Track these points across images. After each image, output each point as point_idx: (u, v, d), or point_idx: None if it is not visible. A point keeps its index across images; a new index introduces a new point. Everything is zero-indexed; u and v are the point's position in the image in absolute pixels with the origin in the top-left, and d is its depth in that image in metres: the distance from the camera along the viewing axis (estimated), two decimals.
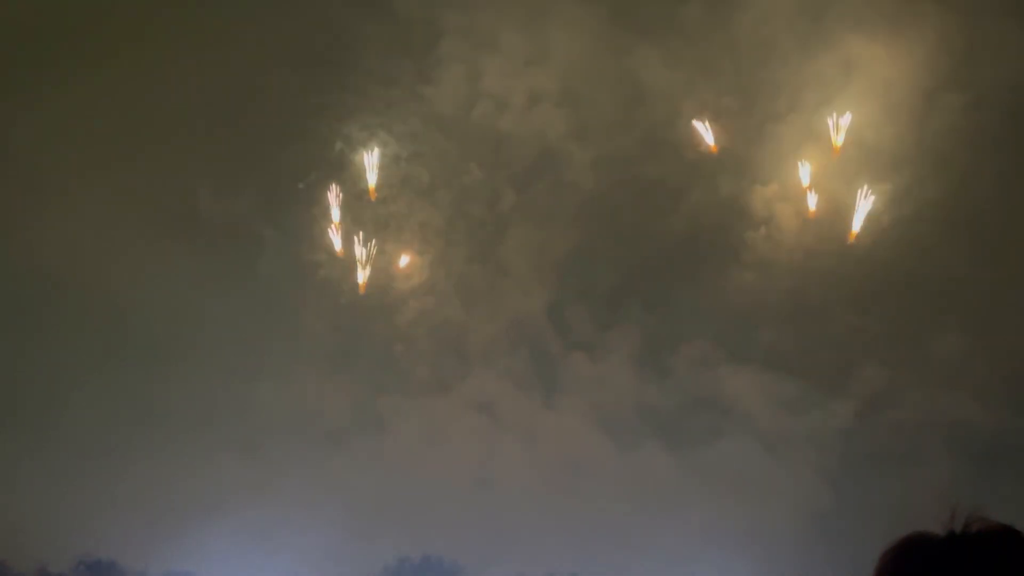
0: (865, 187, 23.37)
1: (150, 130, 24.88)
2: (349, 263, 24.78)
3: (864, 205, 23.45)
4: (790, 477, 23.23)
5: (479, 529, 23.18)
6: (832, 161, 23.70)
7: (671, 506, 23.25)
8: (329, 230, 24.79)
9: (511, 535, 23.11)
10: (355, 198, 25.13)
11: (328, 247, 24.87)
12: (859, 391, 23.69)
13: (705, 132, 24.12)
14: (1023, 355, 22.73)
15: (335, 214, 24.85)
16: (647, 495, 23.65)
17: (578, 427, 24.67)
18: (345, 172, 25.13)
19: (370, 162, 24.98)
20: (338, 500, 23.30)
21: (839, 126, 23.40)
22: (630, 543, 22.93)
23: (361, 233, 24.85)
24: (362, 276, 24.67)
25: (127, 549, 22.59)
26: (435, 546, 22.39)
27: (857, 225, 23.57)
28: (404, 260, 25.00)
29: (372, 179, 24.99)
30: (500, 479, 24.15)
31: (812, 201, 23.85)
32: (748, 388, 24.11)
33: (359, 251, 24.72)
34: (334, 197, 24.83)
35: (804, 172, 23.75)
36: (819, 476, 23.00)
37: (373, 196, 25.01)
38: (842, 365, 24.02)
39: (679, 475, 23.77)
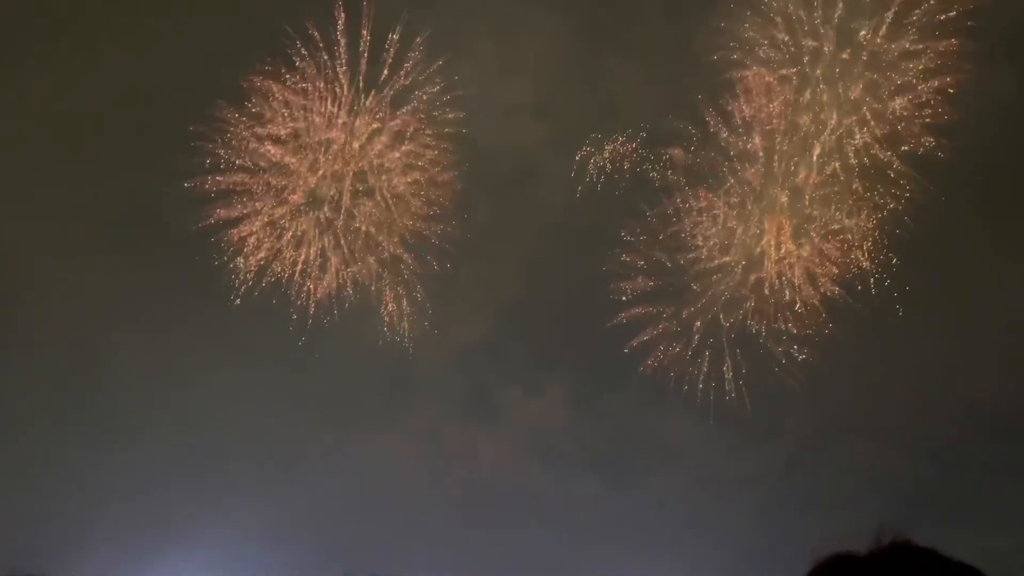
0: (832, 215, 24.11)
1: (107, 124, 24.13)
2: (309, 280, 24.83)
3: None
4: (724, 516, 23.82)
5: (423, 549, 23.47)
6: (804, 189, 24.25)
7: (607, 540, 23.81)
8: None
9: (454, 557, 23.45)
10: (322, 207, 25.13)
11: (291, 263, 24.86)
12: (789, 438, 24.45)
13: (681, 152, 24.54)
14: (932, 408, 23.55)
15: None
16: (583, 528, 24.14)
17: (516, 460, 25.02)
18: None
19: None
20: (285, 522, 23.41)
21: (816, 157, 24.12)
22: (566, 572, 23.41)
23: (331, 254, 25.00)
24: (319, 295, 24.77)
25: (59, 565, 22.36)
26: (381, 566, 22.54)
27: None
28: (364, 280, 25.08)
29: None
30: (441, 504, 24.42)
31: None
32: (685, 430, 24.72)
33: (318, 268, 24.84)
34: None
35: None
36: (752, 516, 23.62)
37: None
38: (774, 411, 24.68)
39: (616, 511, 24.28)
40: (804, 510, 23.11)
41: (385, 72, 24.72)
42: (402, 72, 24.69)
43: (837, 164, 24.22)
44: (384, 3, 24.04)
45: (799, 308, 24.48)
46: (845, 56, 24.01)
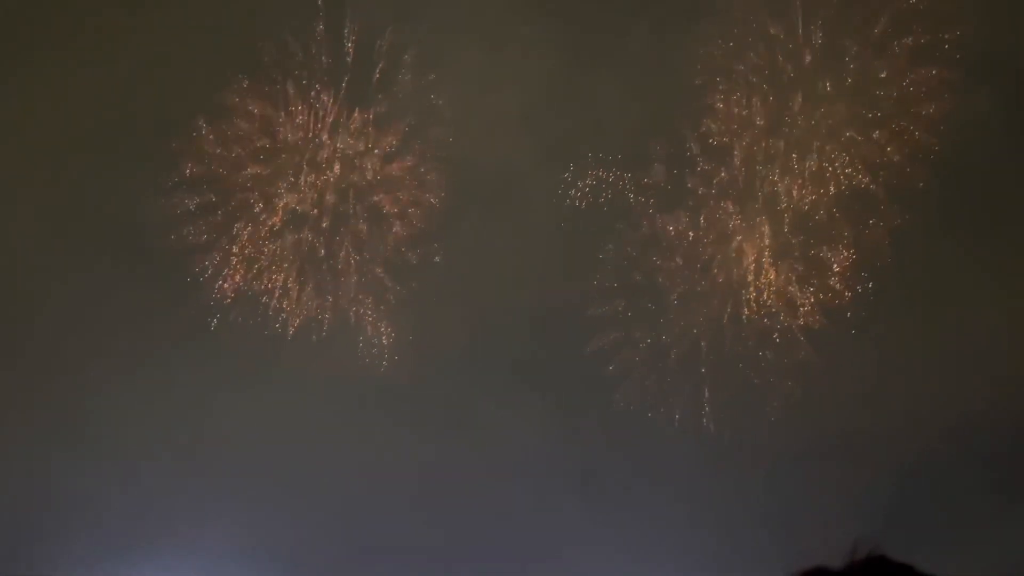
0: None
1: (83, 140, 23.47)
2: (288, 298, 24.74)
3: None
4: (701, 535, 23.84)
5: (402, 565, 23.40)
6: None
7: (583, 556, 23.79)
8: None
9: (433, 572, 23.42)
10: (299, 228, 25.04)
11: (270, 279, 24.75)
12: (766, 460, 24.50)
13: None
14: (911, 429, 23.71)
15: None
16: (560, 544, 24.10)
17: (494, 476, 24.94)
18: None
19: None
20: (262, 541, 23.29)
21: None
22: None
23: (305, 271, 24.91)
24: (296, 317, 24.70)
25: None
26: None
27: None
28: (344, 298, 24.99)
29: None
30: (421, 520, 24.29)
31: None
32: (663, 450, 24.75)
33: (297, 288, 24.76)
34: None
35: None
36: (729, 535, 23.66)
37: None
38: (752, 434, 24.75)
39: (592, 528, 24.25)
40: (781, 529, 23.17)
41: (369, 90, 24.78)
42: (386, 90, 24.76)
43: (818, 191, 24.40)
44: (368, 19, 24.08)
45: (776, 336, 24.62)
46: (827, 83, 24.22)
